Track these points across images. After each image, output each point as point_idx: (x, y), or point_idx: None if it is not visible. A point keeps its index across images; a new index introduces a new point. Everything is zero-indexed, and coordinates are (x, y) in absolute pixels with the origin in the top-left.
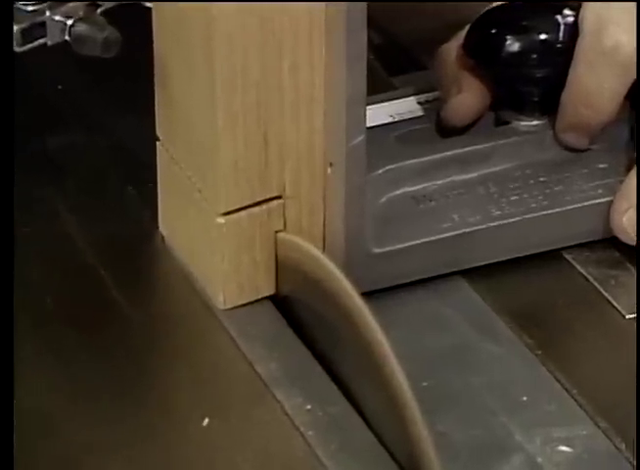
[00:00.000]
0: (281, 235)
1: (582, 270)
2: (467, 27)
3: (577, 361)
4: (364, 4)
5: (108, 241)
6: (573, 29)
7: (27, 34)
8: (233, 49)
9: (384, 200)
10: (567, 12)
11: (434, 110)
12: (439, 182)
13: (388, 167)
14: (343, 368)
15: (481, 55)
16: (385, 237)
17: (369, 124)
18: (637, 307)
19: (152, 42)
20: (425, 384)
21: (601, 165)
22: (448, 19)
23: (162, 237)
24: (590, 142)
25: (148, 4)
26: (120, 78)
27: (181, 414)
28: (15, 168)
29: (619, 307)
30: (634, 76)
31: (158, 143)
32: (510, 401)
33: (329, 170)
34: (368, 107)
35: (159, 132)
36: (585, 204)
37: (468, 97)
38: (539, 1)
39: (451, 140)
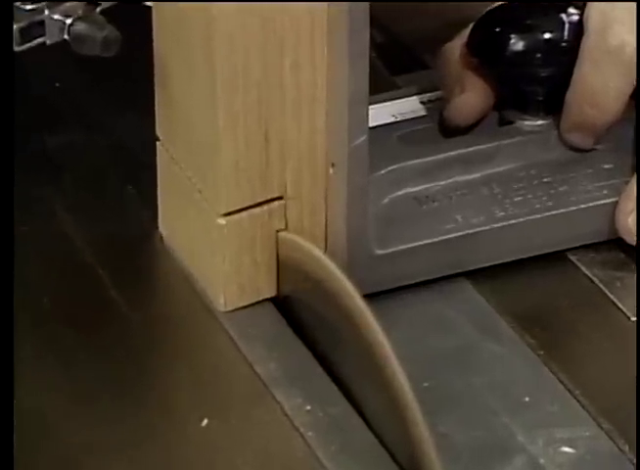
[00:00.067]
0: (282, 234)
1: (587, 272)
2: (470, 26)
3: (581, 362)
4: (366, 3)
5: (107, 241)
6: (578, 28)
7: (26, 33)
8: (234, 48)
9: (386, 201)
10: (571, 10)
11: (436, 109)
12: (442, 183)
13: (390, 168)
14: (344, 369)
15: (485, 54)
16: (387, 238)
17: (371, 124)
18: (637, 308)
19: (151, 41)
20: (426, 384)
21: (606, 166)
22: (451, 17)
23: (162, 238)
24: (595, 142)
25: (148, 3)
26: (120, 78)
27: (181, 415)
28: (14, 168)
29: (625, 309)
30: None
31: (158, 143)
32: (512, 402)
33: (331, 171)
34: (370, 106)
35: (158, 132)
36: (590, 204)
37: (471, 96)
38: (543, 0)
39: (454, 140)
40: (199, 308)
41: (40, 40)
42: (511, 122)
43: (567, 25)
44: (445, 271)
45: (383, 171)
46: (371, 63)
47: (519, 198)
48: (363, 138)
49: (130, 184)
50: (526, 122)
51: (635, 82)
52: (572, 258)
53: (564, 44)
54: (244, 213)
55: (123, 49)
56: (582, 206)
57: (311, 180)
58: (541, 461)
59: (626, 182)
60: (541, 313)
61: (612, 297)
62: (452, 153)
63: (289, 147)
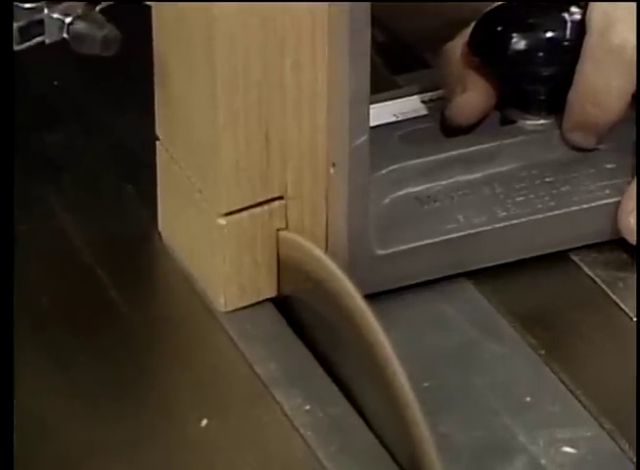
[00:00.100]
0: (282, 234)
1: (590, 272)
2: (472, 25)
3: (583, 363)
4: (367, 3)
5: (106, 242)
6: (581, 27)
7: (25, 32)
8: (234, 48)
9: (387, 200)
10: (573, 9)
11: (438, 109)
12: (444, 182)
13: (391, 168)
14: (345, 369)
15: (487, 53)
16: (388, 238)
17: (372, 124)
18: (637, 308)
19: (151, 40)
20: (427, 384)
21: (608, 165)
22: (452, 16)
23: (162, 238)
24: (597, 142)
25: (148, 2)
26: (119, 77)
27: (181, 415)
28: (14, 168)
29: (627, 310)
30: None
31: (157, 142)
32: (513, 402)
33: (331, 170)
34: (371, 106)
35: (158, 132)
36: (593, 204)
37: (473, 96)
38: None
39: (456, 140)
40: (199, 309)
41: (39, 39)
42: (513, 122)
43: (569, 24)
44: (447, 272)
45: (384, 171)
46: (372, 62)
47: (521, 198)
48: (364, 138)
49: (130, 184)
50: (528, 122)
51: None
52: (575, 258)
53: (566, 43)
54: (244, 213)
55: (123, 48)
56: (585, 206)
57: (312, 180)
58: (542, 462)
59: (629, 182)
60: (543, 314)
61: (614, 297)
62: (454, 152)
63: (289, 147)
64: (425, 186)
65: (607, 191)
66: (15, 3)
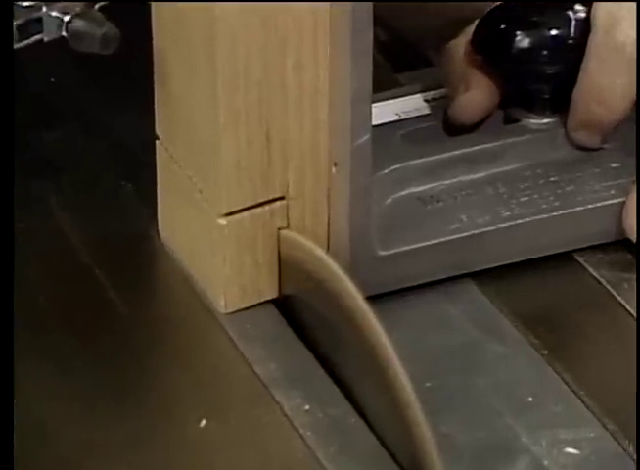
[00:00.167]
0: (284, 232)
1: (595, 273)
2: (475, 23)
3: (586, 363)
4: (370, 3)
5: (106, 242)
6: (585, 25)
7: (24, 30)
8: (235, 46)
9: (389, 200)
10: (578, 7)
11: (441, 107)
12: (447, 182)
13: (393, 167)
14: (345, 370)
15: (490, 51)
16: (391, 239)
17: (374, 123)
18: (637, 308)
19: (151, 39)
20: (429, 384)
21: (614, 165)
22: (454, 14)
23: (162, 238)
24: (602, 141)
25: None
26: (119, 75)
27: (180, 416)
28: (14, 168)
29: (632, 311)
30: None
31: (157, 142)
32: (516, 403)
33: (333, 170)
34: (373, 104)
35: (158, 131)
36: (598, 204)
37: (476, 94)
38: None
39: (459, 139)
40: (198, 309)
41: (38, 37)
42: (517, 121)
43: (573, 22)
44: (450, 272)
45: (386, 171)
46: (373, 60)
47: (525, 198)
48: (366, 137)
49: (129, 183)
50: (532, 121)
51: None
52: (580, 258)
53: (570, 41)
54: (245, 214)
55: (122, 46)
56: (590, 206)
57: (314, 180)
58: (545, 462)
59: (634, 182)
60: (547, 314)
61: (619, 298)
62: (457, 152)
63: (291, 146)
64: (428, 186)
65: (612, 191)
66: (13, 1)
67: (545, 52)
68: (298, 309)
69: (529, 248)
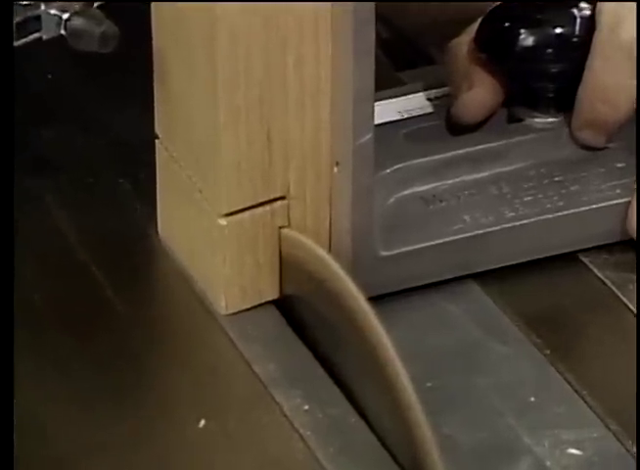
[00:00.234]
0: (285, 231)
1: (599, 274)
2: (478, 21)
3: (589, 363)
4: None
5: (104, 242)
6: (590, 23)
7: (22, 28)
8: (236, 45)
9: (392, 200)
10: (583, 5)
11: (444, 106)
12: (450, 182)
13: (396, 167)
14: (346, 370)
15: (494, 49)
16: (393, 239)
17: (376, 121)
18: (637, 307)
19: (151, 37)
20: (430, 384)
21: (619, 164)
22: (457, 12)
23: (161, 238)
24: (607, 140)
25: None
26: (118, 74)
27: (180, 416)
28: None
29: (637, 312)
30: None
31: (157, 141)
32: (518, 403)
33: (335, 170)
34: (375, 103)
35: (157, 130)
36: (603, 204)
37: (480, 93)
38: None
39: (462, 138)
40: (198, 310)
41: (36, 35)
42: (520, 120)
43: (578, 20)
44: (453, 273)
45: (388, 170)
46: (375, 58)
47: (529, 197)
48: (368, 136)
49: (128, 183)
50: (537, 120)
51: None
52: (585, 259)
53: (575, 39)
54: (245, 214)
55: (122, 45)
56: (594, 206)
57: (315, 180)
58: (547, 463)
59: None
60: (551, 315)
61: (624, 299)
62: (460, 151)
63: (292, 146)
64: (430, 186)
65: (617, 191)
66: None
67: (549, 50)
68: (299, 309)
69: (533, 248)
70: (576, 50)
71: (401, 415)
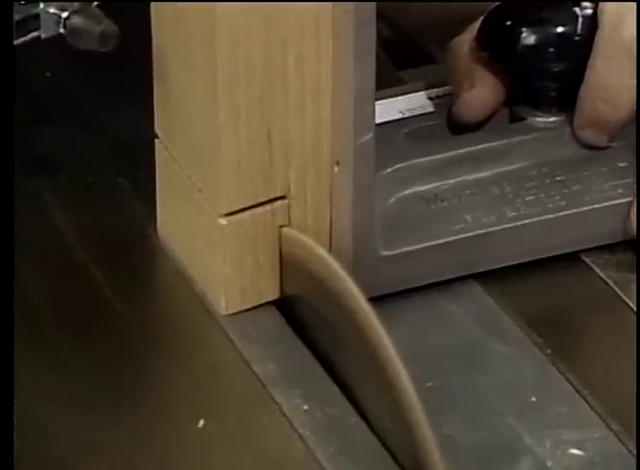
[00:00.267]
0: (285, 230)
1: (602, 274)
2: (480, 19)
3: (591, 363)
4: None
5: (104, 241)
6: (592, 22)
7: (21, 27)
8: (236, 43)
9: (393, 200)
10: (585, 4)
11: (445, 105)
12: (451, 181)
13: (397, 166)
14: (346, 370)
15: (496, 48)
16: (394, 239)
17: (377, 121)
18: (637, 306)
19: (150, 35)
20: (430, 384)
21: (621, 164)
22: (458, 10)
23: (161, 237)
24: (610, 139)
25: None
26: (117, 73)
27: (179, 416)
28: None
29: None
30: None
31: (156, 140)
32: (519, 403)
33: (336, 169)
34: (376, 102)
35: (157, 129)
36: (605, 204)
37: (481, 92)
38: None
39: (464, 137)
40: (198, 310)
41: (35, 34)
42: (522, 119)
43: (580, 19)
44: (454, 273)
45: (389, 170)
46: (376, 57)
47: (531, 197)
48: (369, 135)
49: (127, 181)
50: (538, 119)
51: None
52: (587, 259)
53: (577, 38)
54: (246, 213)
55: (121, 44)
56: (597, 205)
57: (315, 179)
58: (549, 464)
59: None
60: (552, 316)
61: (626, 299)
62: (461, 150)
63: (292, 145)
64: (432, 185)
65: (619, 190)
66: None
67: (551, 49)
68: (299, 309)
69: (535, 248)
70: (578, 49)
71: (402, 415)
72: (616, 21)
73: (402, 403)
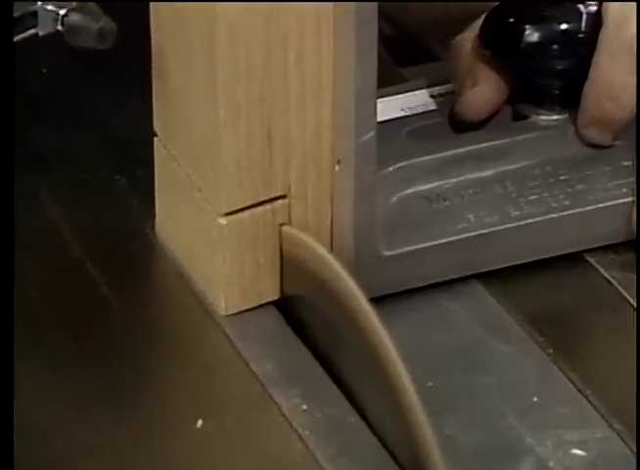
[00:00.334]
0: (285, 229)
1: (606, 274)
2: (483, 17)
3: (594, 363)
4: None
5: (102, 240)
6: (596, 19)
7: (18, 24)
8: (236, 41)
9: (394, 199)
10: (589, 1)
11: (447, 103)
12: (454, 180)
13: (399, 165)
14: (346, 370)
15: (499, 46)
16: (395, 239)
17: (379, 119)
18: (637, 306)
19: (149, 33)
20: (431, 384)
21: (625, 163)
22: (460, 8)
23: (160, 237)
24: (614, 138)
25: None
26: (116, 70)
27: (178, 417)
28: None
29: None
30: None
31: (155, 139)
32: (520, 403)
33: (337, 168)
34: (378, 100)
35: (156, 127)
36: (609, 203)
37: (484, 90)
38: None
39: (466, 136)
40: (197, 310)
41: (33, 31)
42: (525, 117)
43: (584, 16)
44: (457, 273)
45: (391, 169)
46: (378, 55)
47: (534, 196)
48: (371, 134)
49: (125, 180)
50: (542, 117)
51: None
52: (591, 259)
53: (581, 35)
54: (246, 213)
55: (120, 41)
56: (601, 205)
57: (316, 178)
58: (550, 464)
59: None
60: (556, 316)
61: (630, 300)
62: (464, 149)
63: (293, 144)
64: (434, 184)
65: (624, 190)
66: None
67: (555, 46)
68: (299, 309)
69: (539, 248)
70: (582, 46)
71: (402, 416)
72: (620, 18)
73: (403, 404)
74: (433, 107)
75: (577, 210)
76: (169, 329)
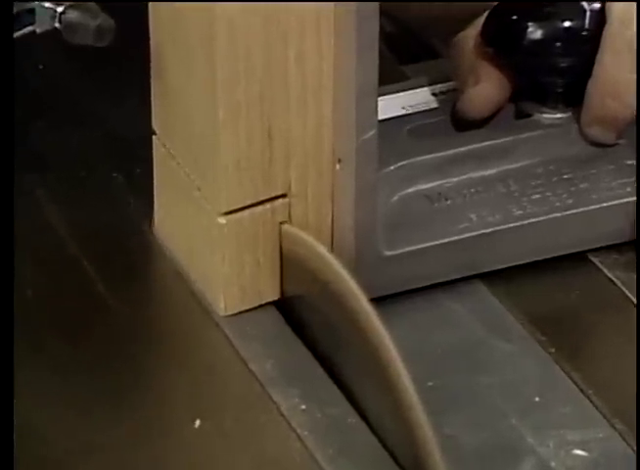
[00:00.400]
0: (285, 227)
1: (609, 274)
2: (485, 14)
3: (597, 363)
4: None
5: (101, 240)
6: (600, 16)
7: (16, 22)
8: (235, 40)
9: (396, 198)
10: None
11: (449, 101)
12: (456, 179)
13: (400, 164)
14: (346, 370)
15: (501, 43)
16: (397, 239)
17: (380, 117)
18: (637, 305)
19: (148, 30)
20: (431, 384)
21: (629, 162)
22: (462, 5)
23: (158, 236)
24: (617, 137)
25: None
26: (114, 68)
27: (177, 417)
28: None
29: None
30: None
31: (154, 137)
32: (522, 403)
33: (337, 167)
34: (379, 98)
35: (155, 125)
36: (612, 203)
37: (486, 88)
38: None
39: (468, 134)
40: (195, 310)
41: (30, 29)
42: (528, 115)
43: (588, 13)
44: (459, 273)
45: (392, 167)
46: (379, 52)
47: (537, 195)
48: (372, 132)
49: (123, 177)
50: (545, 115)
51: None
52: (594, 259)
53: (585, 33)
54: (245, 212)
55: (118, 39)
56: (604, 204)
57: (317, 177)
58: (552, 464)
59: None
60: (559, 316)
61: (634, 299)
62: (466, 147)
63: (293, 143)
64: (435, 183)
65: (627, 189)
66: None
67: (558, 44)
68: (299, 309)
69: (542, 248)
70: (586, 44)
71: (402, 416)
72: (624, 16)
73: (403, 404)
74: (434, 105)
75: (581, 209)
76: (168, 329)
